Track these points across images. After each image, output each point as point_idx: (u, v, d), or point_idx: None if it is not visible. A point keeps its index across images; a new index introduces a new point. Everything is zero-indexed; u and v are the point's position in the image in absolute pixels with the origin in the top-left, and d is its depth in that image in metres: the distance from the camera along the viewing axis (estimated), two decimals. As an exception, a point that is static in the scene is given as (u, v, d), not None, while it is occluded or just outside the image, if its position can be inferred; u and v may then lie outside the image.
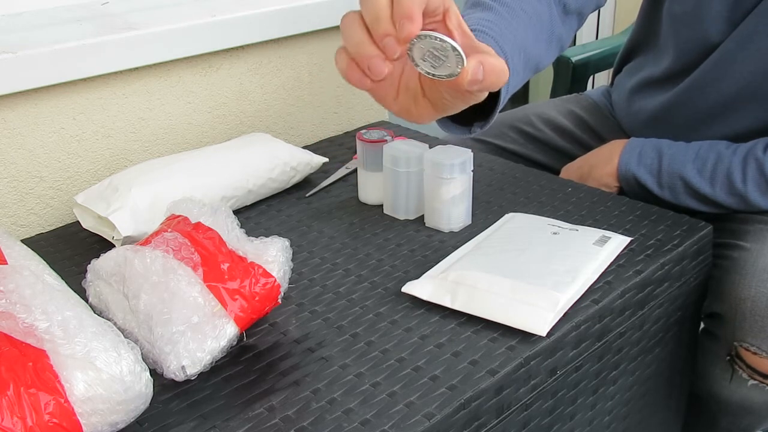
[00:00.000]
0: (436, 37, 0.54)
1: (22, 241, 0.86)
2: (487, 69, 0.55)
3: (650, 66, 1.07)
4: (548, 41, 0.83)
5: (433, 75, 0.56)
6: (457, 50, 0.54)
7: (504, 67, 0.56)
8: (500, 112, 1.25)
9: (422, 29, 0.53)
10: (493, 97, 0.71)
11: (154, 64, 1.00)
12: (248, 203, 0.96)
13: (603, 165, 1.02)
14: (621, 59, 1.18)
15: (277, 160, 0.97)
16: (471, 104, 0.60)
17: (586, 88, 1.44)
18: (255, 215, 0.94)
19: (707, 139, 0.97)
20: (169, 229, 0.70)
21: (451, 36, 0.56)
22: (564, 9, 0.87)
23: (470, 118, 0.70)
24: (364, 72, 0.54)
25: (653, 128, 1.06)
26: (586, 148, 1.17)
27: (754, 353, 0.87)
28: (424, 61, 0.55)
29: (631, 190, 0.99)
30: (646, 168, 0.97)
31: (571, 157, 1.17)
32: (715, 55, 0.95)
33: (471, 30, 0.66)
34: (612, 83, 1.22)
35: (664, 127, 1.04)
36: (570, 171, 1.08)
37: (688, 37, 0.98)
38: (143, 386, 0.57)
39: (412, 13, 0.51)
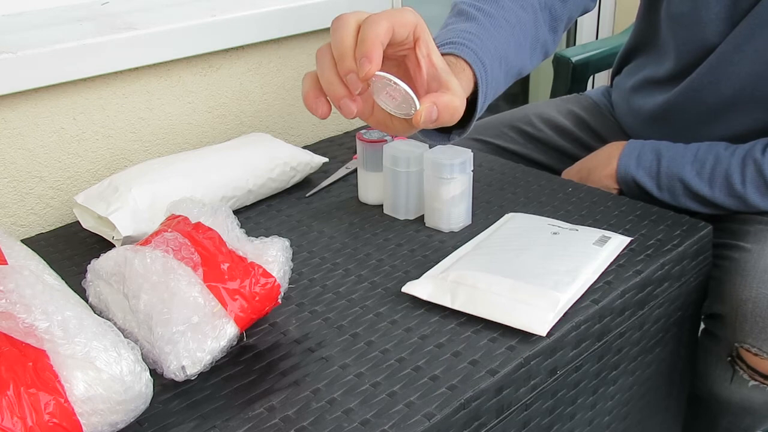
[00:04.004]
0: (391, 80, 0.57)
1: (22, 241, 0.86)
2: (441, 108, 0.59)
3: (651, 66, 1.07)
4: (532, 48, 0.85)
5: (392, 111, 0.60)
6: (410, 96, 0.57)
7: (457, 104, 0.60)
8: (500, 112, 1.25)
9: (387, 63, 0.57)
10: (472, 104, 0.73)
11: (154, 64, 1.00)
12: (248, 203, 0.96)
13: (602, 167, 1.02)
14: (621, 59, 1.18)
15: (277, 160, 0.97)
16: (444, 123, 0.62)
17: (586, 88, 1.44)
18: (255, 215, 0.94)
19: (707, 139, 0.97)
20: (169, 229, 0.70)
21: (418, 65, 0.60)
22: (551, 15, 0.88)
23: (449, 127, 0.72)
24: (335, 106, 0.57)
25: (653, 128, 1.06)
26: (586, 148, 1.17)
27: (755, 354, 0.87)
28: (383, 98, 0.59)
29: (631, 192, 0.99)
30: (645, 170, 0.97)
31: (571, 157, 1.17)
32: (713, 56, 0.95)
33: (452, 42, 0.71)
34: (611, 83, 1.22)
35: (663, 127, 1.04)
36: (570, 174, 1.08)
37: (686, 39, 0.98)
38: (143, 386, 0.57)
39: (372, 54, 0.54)
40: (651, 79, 1.06)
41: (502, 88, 0.80)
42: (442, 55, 0.63)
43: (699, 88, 0.97)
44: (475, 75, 0.72)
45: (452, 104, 0.60)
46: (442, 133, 0.75)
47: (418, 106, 0.58)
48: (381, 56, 0.54)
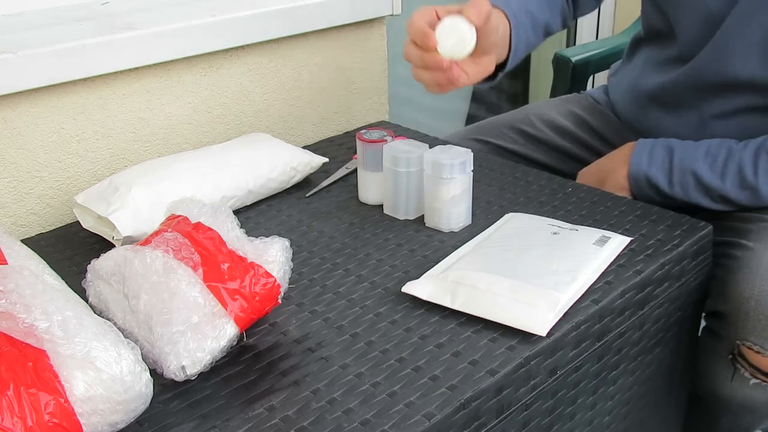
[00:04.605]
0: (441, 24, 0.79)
1: (22, 241, 0.85)
2: (475, 3, 0.80)
3: (659, 49, 1.07)
4: (551, 7, 1.02)
5: (461, 53, 0.80)
6: (455, 21, 0.78)
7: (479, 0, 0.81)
8: (500, 113, 1.26)
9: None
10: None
11: (154, 64, 1.00)
12: (248, 203, 0.96)
13: (619, 168, 1.01)
14: (630, 47, 1.18)
15: (277, 160, 0.97)
16: (496, 38, 0.86)
17: (586, 88, 1.44)
18: (255, 215, 0.94)
19: (706, 116, 0.98)
20: (169, 229, 0.70)
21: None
22: None
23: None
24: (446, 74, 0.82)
25: (655, 111, 1.06)
26: (587, 148, 1.17)
27: (757, 352, 0.87)
28: (451, 44, 0.79)
29: (641, 191, 0.99)
30: (657, 166, 0.97)
31: (572, 157, 1.17)
32: (718, 32, 0.95)
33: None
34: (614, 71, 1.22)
35: (662, 107, 1.04)
36: (587, 176, 1.07)
37: (689, 11, 0.98)
38: (143, 386, 0.57)
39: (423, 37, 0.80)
40: (658, 60, 1.06)
41: (531, 36, 0.97)
42: None
43: (703, 66, 0.97)
44: (507, 18, 0.92)
45: (478, 1, 0.81)
46: (488, 79, 0.93)
47: (467, 26, 0.79)
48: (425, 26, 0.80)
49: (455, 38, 0.79)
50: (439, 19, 0.81)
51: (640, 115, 1.09)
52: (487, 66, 0.86)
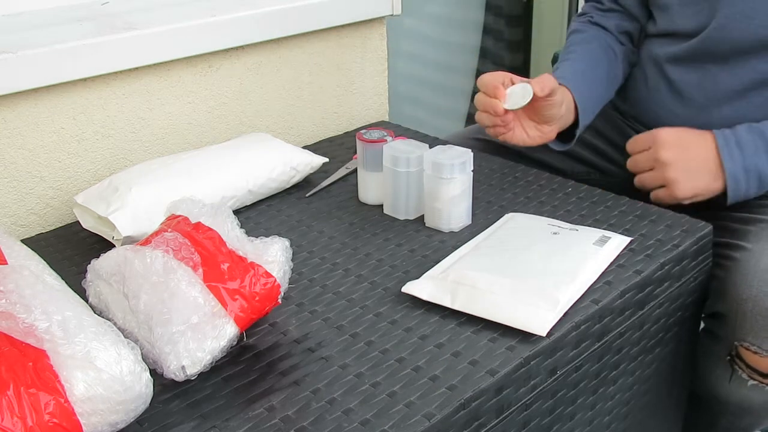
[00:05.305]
0: (511, 87, 0.93)
1: (22, 241, 0.86)
2: (541, 79, 0.94)
3: (669, 35, 1.07)
4: (606, 56, 1.09)
5: (522, 104, 0.93)
6: (524, 85, 0.92)
7: (548, 76, 0.95)
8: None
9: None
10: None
11: (154, 64, 1.00)
12: (248, 203, 0.96)
13: (712, 177, 0.94)
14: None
15: (277, 160, 0.97)
16: (558, 112, 0.97)
17: (586, 88, 1.44)
18: (255, 215, 0.94)
19: (716, 88, 0.98)
20: (169, 229, 0.70)
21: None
22: (617, 32, 1.11)
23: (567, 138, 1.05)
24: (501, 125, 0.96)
25: (657, 89, 1.06)
26: (587, 146, 1.17)
27: (755, 353, 0.87)
28: (515, 103, 0.93)
29: (738, 187, 0.93)
30: (754, 151, 0.92)
31: (572, 156, 1.17)
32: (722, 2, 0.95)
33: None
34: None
35: (668, 88, 1.04)
36: (684, 189, 0.96)
37: None
38: (143, 386, 0.57)
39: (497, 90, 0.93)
40: (665, 42, 1.06)
41: (594, 95, 1.06)
42: None
43: (712, 36, 0.97)
44: (569, 90, 1.00)
45: (545, 77, 0.94)
46: (564, 142, 1.05)
47: (530, 87, 0.92)
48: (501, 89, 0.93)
49: (514, 91, 0.93)
50: (512, 82, 0.94)
51: (646, 99, 1.08)
52: (548, 133, 0.99)
